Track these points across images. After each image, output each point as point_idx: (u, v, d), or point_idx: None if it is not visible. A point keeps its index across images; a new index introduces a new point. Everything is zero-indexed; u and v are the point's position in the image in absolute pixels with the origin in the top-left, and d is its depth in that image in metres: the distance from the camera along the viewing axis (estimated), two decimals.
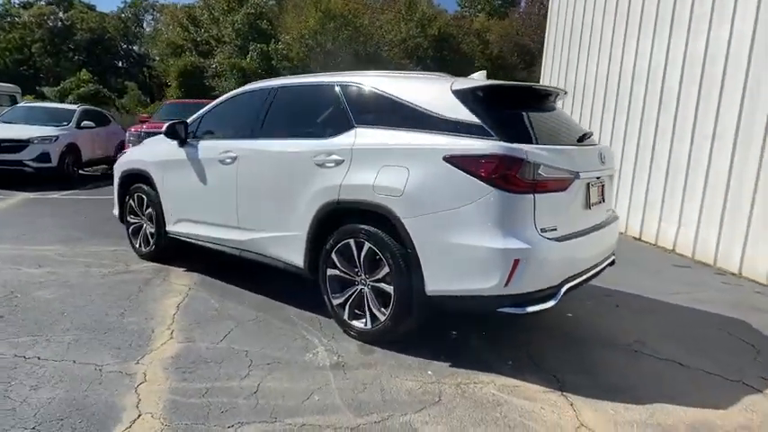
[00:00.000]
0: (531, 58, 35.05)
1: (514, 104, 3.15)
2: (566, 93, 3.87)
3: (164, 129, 4.53)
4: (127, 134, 10.69)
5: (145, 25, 52.22)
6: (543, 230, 2.80)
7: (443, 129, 2.97)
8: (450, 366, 3.04)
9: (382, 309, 3.16)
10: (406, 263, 2.99)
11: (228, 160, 4.02)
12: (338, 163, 3.29)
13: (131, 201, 5.05)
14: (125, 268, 4.81)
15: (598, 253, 3.35)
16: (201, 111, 4.58)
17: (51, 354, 3.03)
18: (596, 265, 3.31)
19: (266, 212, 3.78)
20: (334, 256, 3.36)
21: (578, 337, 3.60)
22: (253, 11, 30.57)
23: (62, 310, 3.71)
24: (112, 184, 5.46)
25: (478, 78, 3.58)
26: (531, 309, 2.78)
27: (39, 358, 2.97)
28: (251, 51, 28.80)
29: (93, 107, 13.22)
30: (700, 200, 5.85)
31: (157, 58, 41.05)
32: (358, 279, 3.30)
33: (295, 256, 3.60)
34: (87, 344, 3.19)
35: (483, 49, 33.96)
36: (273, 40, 29.45)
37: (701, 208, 5.83)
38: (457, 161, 2.80)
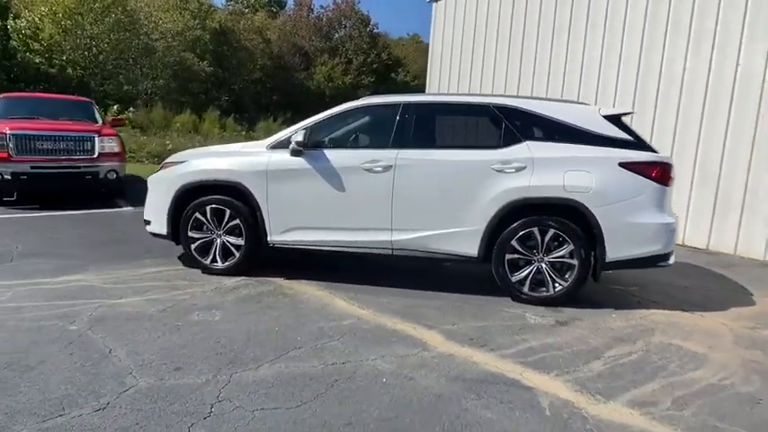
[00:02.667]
0: (308, 60, 36.80)
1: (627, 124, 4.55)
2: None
3: (272, 143, 4.56)
4: None
5: None
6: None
7: (601, 143, 4.21)
8: (629, 309, 4.31)
9: (566, 276, 4.22)
10: (589, 241, 4.13)
11: (378, 168, 4.42)
12: (519, 169, 4.21)
13: (199, 215, 4.76)
14: (219, 286, 4.59)
15: None
16: (308, 122, 4.70)
17: None
18: None
19: (433, 213, 4.38)
20: (514, 242, 4.26)
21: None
22: None
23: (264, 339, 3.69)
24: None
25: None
26: (670, 262, 4.25)
27: None
28: None
29: None
30: None
31: None
32: (535, 258, 4.28)
33: (467, 247, 4.35)
34: None
35: (264, 47, 34.20)
36: (12, 15, 24.07)
37: None
38: (631, 166, 4.10)
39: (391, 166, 4.42)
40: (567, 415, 2.70)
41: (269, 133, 23.59)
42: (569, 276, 4.25)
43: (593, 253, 4.20)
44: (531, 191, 4.20)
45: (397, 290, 4.66)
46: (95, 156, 8.20)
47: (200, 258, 4.89)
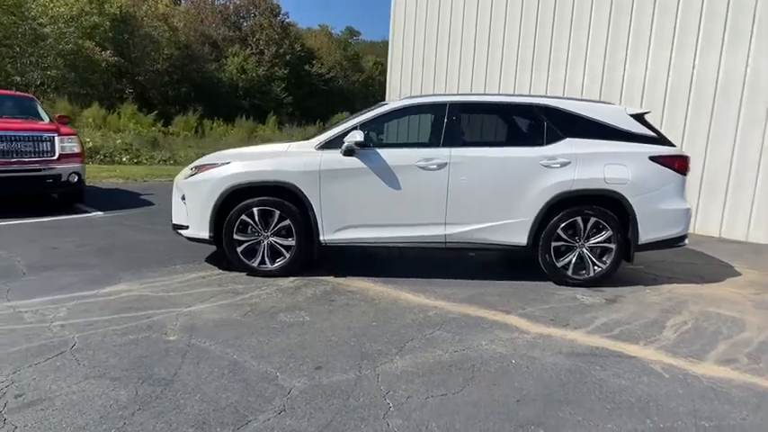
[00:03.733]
0: (219, 51, 35.38)
1: None
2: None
3: (321, 143, 4.67)
4: None
5: None
6: None
7: (630, 139, 4.82)
8: (654, 285, 4.95)
9: (604, 259, 4.79)
10: (625, 227, 4.73)
11: (433, 166, 4.69)
12: (564, 164, 4.70)
13: (246, 217, 4.73)
14: (280, 287, 4.63)
15: None
16: (356, 122, 4.83)
17: None
18: None
19: (486, 207, 4.74)
20: (559, 231, 4.75)
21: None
22: None
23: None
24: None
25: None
26: (686, 242, 4.97)
27: None
28: None
29: None
30: None
31: None
32: (577, 245, 4.81)
33: (517, 237, 4.78)
34: None
35: (171, 36, 32.31)
36: None
37: None
38: (659, 160, 4.75)
39: (446, 163, 4.69)
40: (681, 376, 3.18)
41: (187, 128, 22.11)
42: (607, 259, 4.81)
43: (627, 237, 4.79)
44: (576, 184, 4.69)
45: (446, 281, 4.95)
46: (56, 157, 7.55)
47: (246, 261, 4.83)
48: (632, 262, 4.94)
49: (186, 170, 5.17)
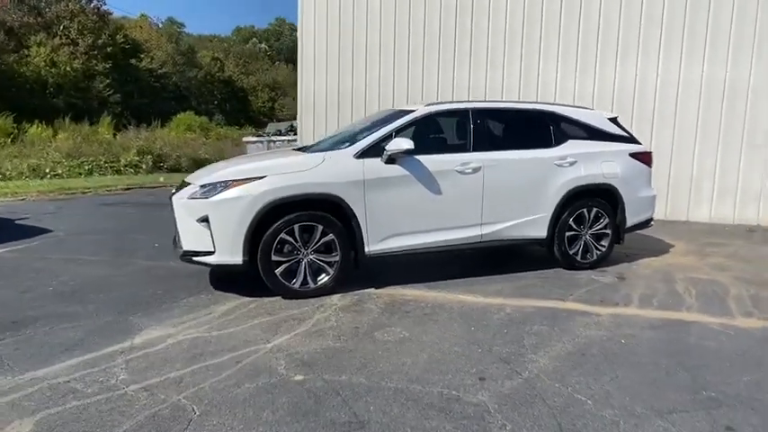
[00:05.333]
0: (18, 39, 30.14)
1: None
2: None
3: (359, 151, 4.61)
4: None
5: None
6: None
7: (612, 139, 5.64)
8: (637, 261, 5.81)
9: (602, 243, 5.54)
10: (615, 213, 5.53)
11: (469, 170, 4.92)
12: (572, 163, 5.31)
13: (285, 235, 4.44)
14: (337, 306, 4.42)
15: None
16: (388, 129, 4.79)
17: None
18: None
19: (514, 206, 5.12)
20: (571, 222, 5.37)
21: None
22: None
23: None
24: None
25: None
26: (653, 222, 5.96)
27: None
28: None
29: None
30: None
31: None
32: (582, 233, 5.48)
33: (538, 231, 5.27)
34: None
35: None
36: None
37: None
38: (636, 156, 5.62)
39: (480, 167, 4.93)
40: (733, 332, 3.92)
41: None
42: (605, 243, 5.54)
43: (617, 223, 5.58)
44: (583, 180, 5.32)
45: (479, 278, 5.19)
46: None
47: (287, 283, 4.48)
48: (623, 243, 5.75)
49: (191, 188, 4.56)
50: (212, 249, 4.36)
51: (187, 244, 4.46)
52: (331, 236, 4.52)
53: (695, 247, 6.80)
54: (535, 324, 4.03)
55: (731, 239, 7.37)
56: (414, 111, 5.02)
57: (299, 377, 3.17)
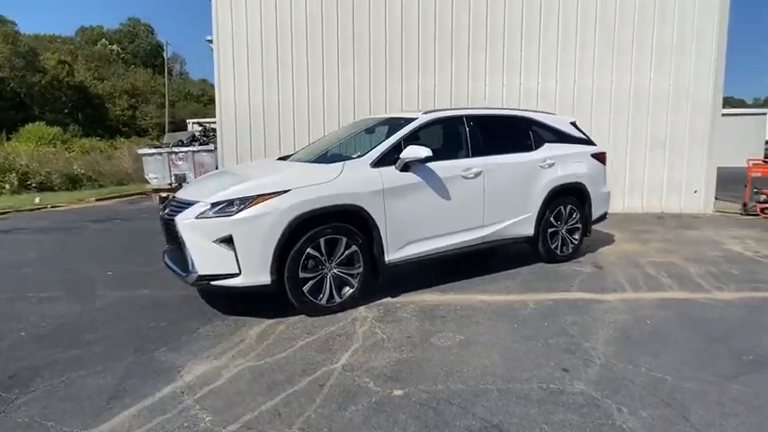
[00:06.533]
0: None
1: None
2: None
3: (375, 159, 4.65)
4: None
5: None
6: None
7: (575, 141, 6.28)
8: (598, 250, 6.50)
9: (575, 237, 6.16)
10: (584, 209, 6.17)
11: (471, 175, 5.17)
12: (551, 165, 5.82)
13: (312, 250, 4.33)
14: (375, 318, 4.40)
15: None
16: (397, 137, 4.86)
17: None
18: None
19: (508, 207, 5.46)
20: (551, 219, 5.90)
21: None
22: None
23: None
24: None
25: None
26: (607, 216, 6.73)
27: None
28: None
29: None
30: None
31: None
32: (560, 228, 6.04)
33: (527, 230, 5.69)
34: None
35: None
36: None
37: None
38: (596, 156, 6.31)
39: (481, 171, 5.20)
40: (721, 305, 4.63)
41: None
42: (577, 236, 6.14)
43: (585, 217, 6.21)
44: (561, 180, 5.85)
45: (477, 279, 5.43)
46: None
47: (314, 300, 4.35)
48: (589, 235, 6.39)
49: (198, 206, 4.22)
50: (237, 271, 4.07)
51: (203, 267, 4.10)
52: (354, 247, 4.46)
53: (630, 235, 7.77)
54: (564, 315, 4.37)
55: (651, 226, 8.54)
56: (414, 118, 5.11)
57: (398, 392, 3.13)
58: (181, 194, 4.69)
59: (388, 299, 4.82)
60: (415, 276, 5.47)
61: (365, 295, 4.71)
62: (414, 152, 4.62)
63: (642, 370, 3.37)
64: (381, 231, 4.57)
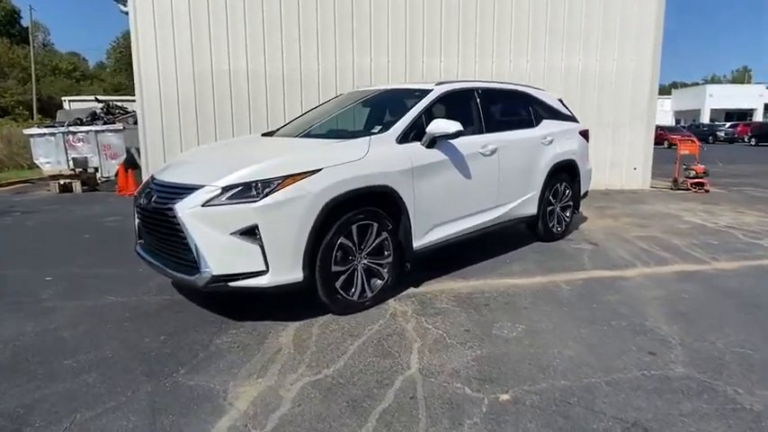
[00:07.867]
0: None
1: None
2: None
3: (399, 135, 4.19)
4: None
5: None
6: None
7: (565, 118, 6.24)
8: (585, 225, 6.54)
9: (567, 214, 6.15)
10: (573, 189, 6.16)
11: (488, 152, 4.88)
12: (551, 141, 5.71)
13: (344, 239, 3.81)
14: (413, 312, 4.00)
15: None
16: (418, 110, 4.41)
17: None
18: None
19: (517, 186, 5.25)
20: (550, 197, 5.82)
21: None
22: None
23: None
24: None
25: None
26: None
27: None
28: None
29: None
30: None
31: None
32: (555, 206, 5.97)
33: (532, 209, 5.55)
34: None
35: None
36: None
37: None
38: (582, 133, 6.32)
39: (496, 148, 4.92)
40: (732, 274, 4.80)
41: None
42: (569, 214, 6.12)
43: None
44: (560, 156, 5.75)
45: (489, 262, 5.18)
46: None
47: (347, 296, 3.83)
48: (578, 212, 6.40)
49: (204, 191, 3.48)
50: (263, 268, 3.41)
51: (219, 266, 3.39)
52: (384, 234, 3.98)
53: (595, 212, 7.98)
54: (603, 295, 4.26)
55: (606, 202, 8.88)
56: (429, 90, 4.67)
57: (504, 396, 2.77)
58: (169, 177, 3.87)
59: (412, 289, 4.40)
60: (423, 263, 5.08)
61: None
62: (443, 126, 4.20)
63: (719, 346, 3.32)
64: (411, 215, 4.13)
